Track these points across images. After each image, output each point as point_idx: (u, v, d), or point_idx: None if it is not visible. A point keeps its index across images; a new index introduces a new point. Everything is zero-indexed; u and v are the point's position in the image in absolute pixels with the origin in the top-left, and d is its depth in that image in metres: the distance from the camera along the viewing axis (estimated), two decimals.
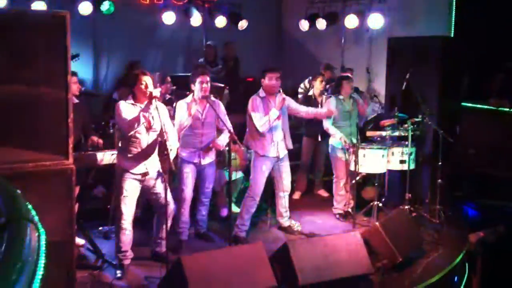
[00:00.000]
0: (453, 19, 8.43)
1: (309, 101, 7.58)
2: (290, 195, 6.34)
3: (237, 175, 6.74)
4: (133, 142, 4.89)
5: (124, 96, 5.16)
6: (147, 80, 4.85)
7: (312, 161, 7.96)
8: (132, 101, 4.89)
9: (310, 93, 7.68)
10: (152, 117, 4.84)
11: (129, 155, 4.90)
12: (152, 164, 5.00)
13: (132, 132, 4.78)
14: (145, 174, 4.95)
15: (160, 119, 4.75)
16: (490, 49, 8.05)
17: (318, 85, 7.51)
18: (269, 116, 5.70)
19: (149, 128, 4.87)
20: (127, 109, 4.83)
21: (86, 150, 5.52)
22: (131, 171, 4.90)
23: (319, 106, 7.42)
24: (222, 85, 7.29)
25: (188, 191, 5.59)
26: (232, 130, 5.35)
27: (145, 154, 4.92)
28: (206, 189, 5.76)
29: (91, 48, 8.56)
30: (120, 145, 5.00)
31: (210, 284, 4.16)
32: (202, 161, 5.59)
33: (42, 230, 1.50)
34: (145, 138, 4.90)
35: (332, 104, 6.69)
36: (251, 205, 5.96)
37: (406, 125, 6.43)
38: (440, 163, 6.47)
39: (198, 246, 5.64)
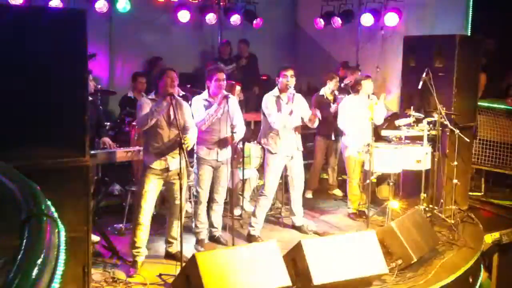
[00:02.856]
0: (470, 17, 8.35)
1: (321, 100, 7.59)
2: (303, 194, 6.33)
3: (251, 173, 6.74)
4: (155, 137, 4.92)
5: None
6: (173, 76, 4.92)
7: (326, 161, 7.94)
8: (153, 96, 4.94)
9: (322, 92, 7.67)
10: (174, 113, 4.87)
11: (151, 151, 4.94)
12: (173, 161, 5.00)
13: (145, 127, 4.83)
14: (166, 170, 4.98)
15: (182, 116, 4.80)
16: (507, 48, 7.96)
17: (331, 85, 7.54)
18: (281, 113, 5.70)
19: (170, 124, 4.90)
20: (146, 104, 4.88)
21: (99, 148, 5.56)
22: (152, 166, 4.93)
23: (330, 105, 7.45)
24: (233, 82, 7.29)
25: (205, 193, 5.59)
26: (236, 129, 5.37)
27: (166, 150, 4.94)
28: (221, 187, 5.72)
29: (107, 46, 8.61)
30: (142, 141, 5.03)
31: (224, 281, 4.16)
32: (219, 157, 5.58)
33: (61, 226, 1.52)
34: (166, 134, 4.93)
35: (348, 103, 6.68)
36: (265, 203, 5.95)
37: (421, 124, 6.38)
38: (456, 163, 6.42)
39: (212, 248, 5.63)
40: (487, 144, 7.90)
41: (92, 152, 5.00)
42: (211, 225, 5.81)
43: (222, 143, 5.49)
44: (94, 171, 5.90)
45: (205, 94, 5.55)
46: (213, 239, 5.83)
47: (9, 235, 1.53)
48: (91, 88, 5.68)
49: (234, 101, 5.64)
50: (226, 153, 5.63)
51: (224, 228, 5.96)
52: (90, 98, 5.42)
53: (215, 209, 5.79)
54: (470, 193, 7.46)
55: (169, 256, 5.29)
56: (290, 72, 5.77)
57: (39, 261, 1.30)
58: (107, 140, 5.70)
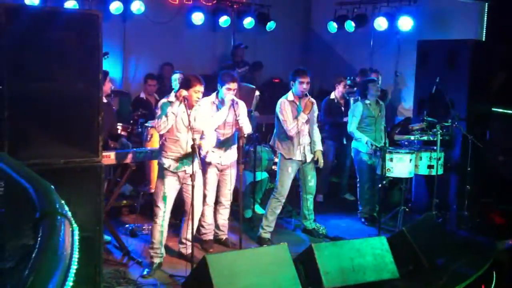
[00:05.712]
0: (485, 22, 8.28)
1: (331, 104, 7.59)
2: (314, 197, 6.30)
3: (262, 176, 6.73)
4: (174, 141, 4.96)
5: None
6: (200, 90, 4.94)
7: (338, 165, 7.92)
8: (171, 99, 4.96)
9: (332, 96, 7.68)
10: (194, 118, 4.92)
11: (170, 154, 4.97)
12: (190, 164, 5.03)
13: (163, 131, 4.86)
14: (183, 173, 5.01)
15: (202, 120, 4.85)
16: None
17: (341, 89, 7.56)
18: (297, 120, 5.68)
19: (187, 128, 4.92)
20: (165, 107, 4.91)
21: (115, 149, 5.60)
22: (171, 169, 4.96)
23: (342, 109, 7.44)
24: (253, 86, 7.28)
25: (211, 195, 5.60)
26: (245, 134, 5.34)
27: (184, 153, 4.97)
28: (228, 190, 5.73)
29: (121, 47, 8.66)
30: (161, 143, 5.05)
31: (234, 283, 4.16)
32: (223, 161, 5.59)
33: (75, 225, 1.53)
34: (185, 138, 4.94)
35: (358, 109, 6.66)
36: (277, 206, 5.95)
37: (435, 130, 6.35)
38: (469, 169, 6.37)
39: (220, 250, 5.63)
40: (501, 150, 7.82)
41: (105, 152, 5.03)
42: (217, 227, 5.82)
43: (226, 147, 5.54)
44: (106, 172, 5.94)
45: (212, 96, 5.54)
46: (220, 241, 5.83)
47: (22, 234, 1.54)
48: (108, 89, 5.71)
49: (241, 106, 5.61)
50: (231, 156, 5.63)
51: (233, 231, 5.96)
52: (105, 100, 5.46)
53: (222, 212, 5.81)
54: (483, 200, 7.39)
55: (181, 257, 5.30)
56: (307, 79, 5.72)
57: (53, 260, 1.31)
58: (123, 140, 5.76)
